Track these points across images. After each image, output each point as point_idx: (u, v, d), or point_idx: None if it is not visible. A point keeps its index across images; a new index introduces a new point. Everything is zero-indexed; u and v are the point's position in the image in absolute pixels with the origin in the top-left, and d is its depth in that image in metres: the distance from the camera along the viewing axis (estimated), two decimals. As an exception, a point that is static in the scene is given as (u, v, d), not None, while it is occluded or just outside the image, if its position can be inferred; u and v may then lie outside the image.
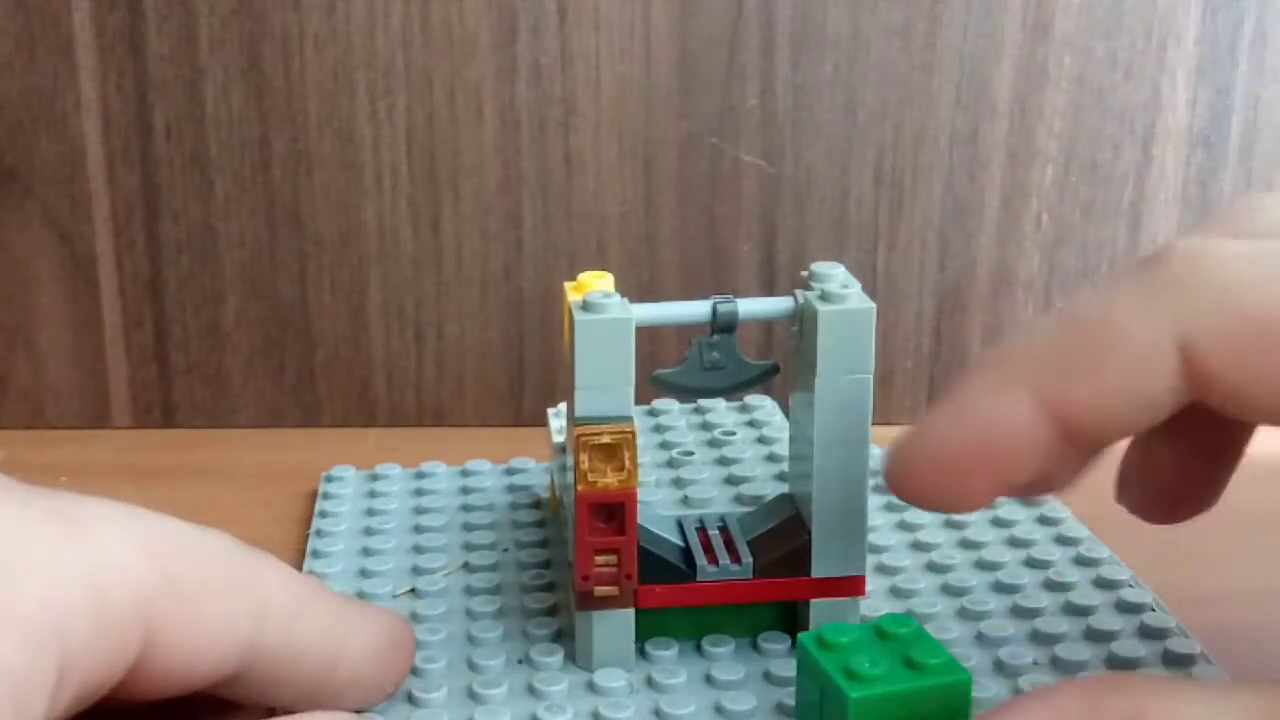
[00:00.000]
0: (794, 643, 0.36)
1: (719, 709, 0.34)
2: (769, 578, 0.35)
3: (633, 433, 0.33)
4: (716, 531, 0.37)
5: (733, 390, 0.35)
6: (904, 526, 0.43)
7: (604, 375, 0.34)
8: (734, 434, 0.46)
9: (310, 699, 0.31)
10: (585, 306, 0.34)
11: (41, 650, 0.25)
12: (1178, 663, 0.35)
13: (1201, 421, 0.30)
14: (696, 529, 0.37)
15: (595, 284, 0.35)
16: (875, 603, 0.38)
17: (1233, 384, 0.27)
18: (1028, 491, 0.31)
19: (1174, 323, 0.27)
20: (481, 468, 0.47)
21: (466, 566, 0.41)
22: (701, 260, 0.53)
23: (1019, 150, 0.52)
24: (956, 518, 0.43)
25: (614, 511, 0.34)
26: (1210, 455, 0.33)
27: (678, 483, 0.42)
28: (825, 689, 0.30)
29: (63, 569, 0.26)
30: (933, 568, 0.40)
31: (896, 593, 0.39)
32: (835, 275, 0.35)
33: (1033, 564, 0.40)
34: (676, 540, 0.36)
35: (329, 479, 0.47)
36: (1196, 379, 0.27)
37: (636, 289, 0.52)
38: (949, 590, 0.39)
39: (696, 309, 0.35)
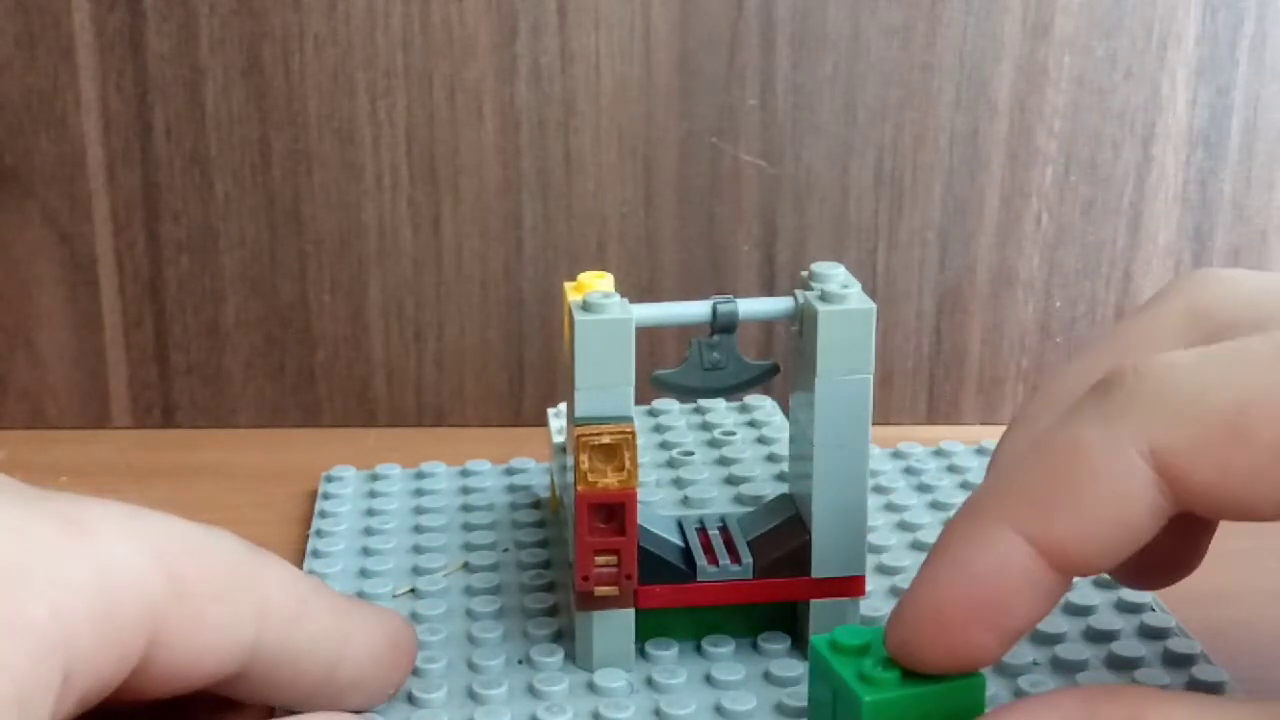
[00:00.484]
0: (794, 642, 0.36)
1: (719, 709, 0.34)
2: (769, 578, 0.35)
3: (633, 433, 0.33)
4: (716, 532, 0.37)
5: (733, 390, 0.35)
6: (904, 526, 0.43)
7: (604, 375, 0.34)
8: (734, 434, 0.46)
9: (312, 699, 0.31)
10: (585, 306, 0.34)
11: (48, 656, 0.25)
12: (1178, 663, 0.35)
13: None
14: (696, 529, 0.37)
15: (595, 284, 0.35)
16: (875, 603, 0.38)
17: (1208, 485, 0.27)
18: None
19: (1139, 439, 0.27)
20: (481, 468, 0.47)
21: (466, 566, 0.41)
22: (701, 260, 0.53)
23: (1019, 150, 0.52)
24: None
25: (614, 511, 0.34)
26: (1189, 527, 0.33)
27: (678, 483, 0.42)
28: (838, 691, 0.30)
29: (68, 574, 0.26)
30: (933, 568, 0.40)
31: (896, 593, 0.39)
32: (835, 275, 0.35)
33: (1033, 564, 0.40)
34: (676, 540, 0.36)
35: (329, 479, 0.47)
36: (1173, 488, 0.27)
37: (636, 289, 0.52)
38: (949, 590, 0.39)
39: (696, 309, 0.35)
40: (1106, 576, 0.39)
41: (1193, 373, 0.27)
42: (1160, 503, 0.27)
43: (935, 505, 0.44)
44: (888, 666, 0.29)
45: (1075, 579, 0.32)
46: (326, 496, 0.46)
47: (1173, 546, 0.33)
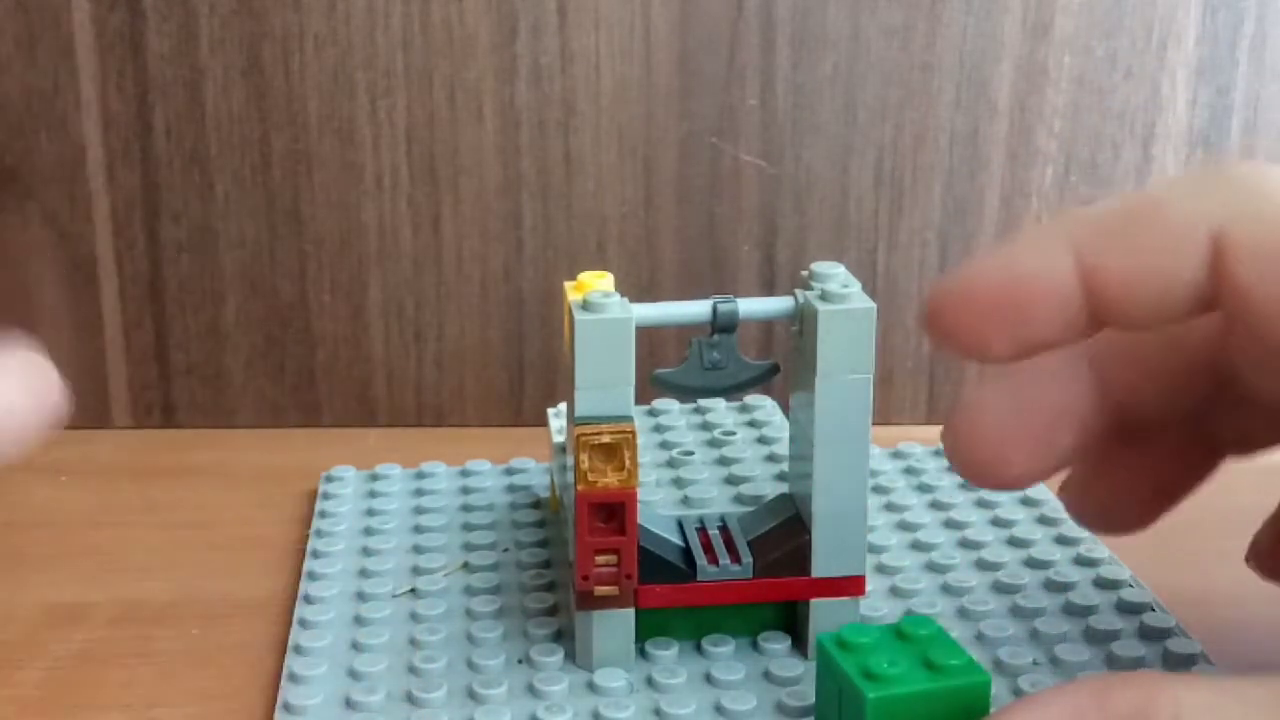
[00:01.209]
0: (794, 642, 0.36)
1: (719, 709, 0.34)
2: (769, 578, 0.35)
3: (633, 433, 0.33)
4: (716, 531, 0.37)
5: (733, 390, 0.35)
6: (904, 526, 0.43)
7: (604, 375, 0.34)
8: (734, 434, 0.46)
9: None
10: (585, 306, 0.34)
11: None
12: (1178, 663, 0.35)
13: (1155, 452, 0.32)
14: (696, 529, 0.37)
15: (595, 284, 0.35)
16: (875, 603, 0.38)
17: (1249, 288, 0.27)
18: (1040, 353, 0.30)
19: (1212, 212, 0.28)
20: (481, 468, 0.47)
21: (466, 566, 0.41)
22: (701, 260, 0.53)
23: (1019, 150, 0.52)
24: (956, 517, 0.43)
25: (614, 511, 0.34)
26: (1153, 485, 0.34)
27: (678, 483, 0.42)
28: (844, 689, 0.30)
29: None
30: (933, 567, 0.40)
31: (896, 593, 0.39)
32: (835, 275, 0.35)
33: (1033, 564, 0.40)
34: (676, 540, 0.36)
35: (329, 479, 0.47)
36: (1221, 276, 0.28)
37: (636, 289, 0.52)
38: (949, 590, 0.39)
39: (696, 309, 0.35)
40: (1108, 578, 0.39)
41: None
42: (1203, 283, 0.28)
43: (935, 505, 0.44)
44: (893, 664, 0.29)
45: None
46: (326, 496, 0.46)
47: (1144, 489, 0.34)
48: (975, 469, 0.31)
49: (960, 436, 0.31)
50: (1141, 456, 0.33)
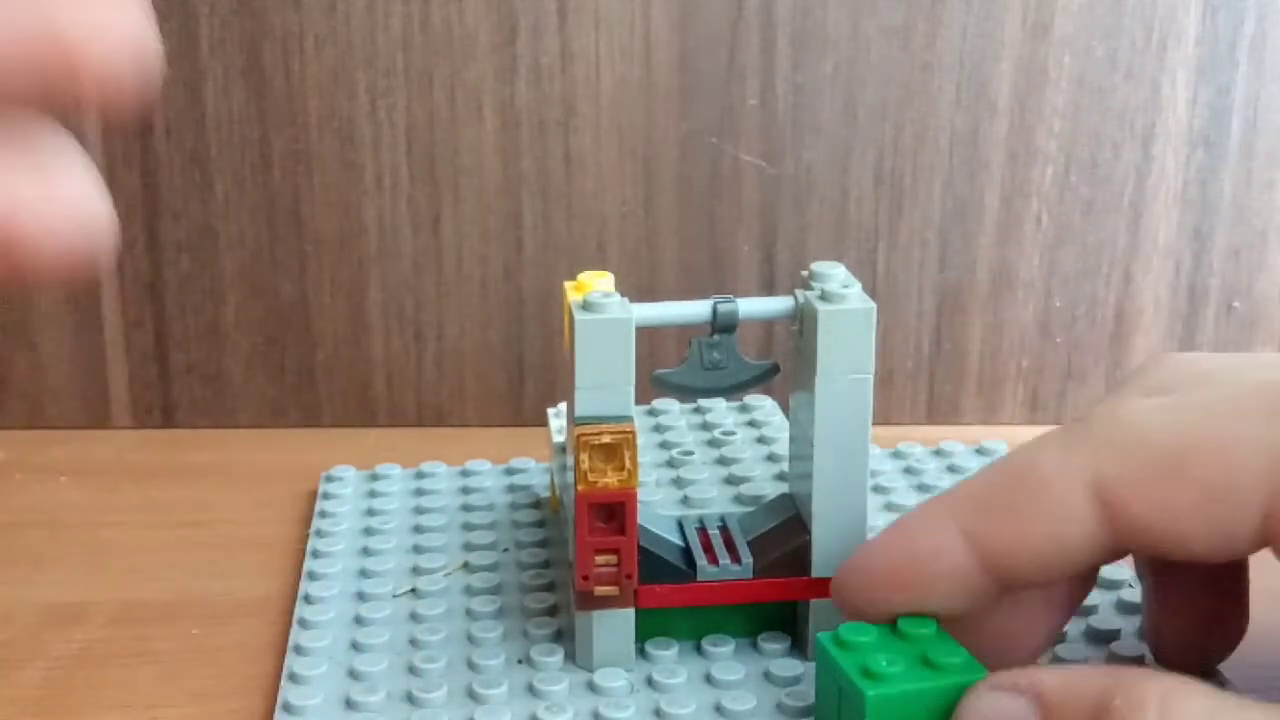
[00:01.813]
0: (794, 642, 0.36)
1: (719, 709, 0.34)
2: (769, 578, 0.35)
3: (633, 433, 0.33)
4: (716, 531, 0.37)
5: (733, 390, 0.35)
6: (904, 526, 0.43)
7: (604, 375, 0.34)
8: (734, 434, 0.46)
9: None
10: (585, 306, 0.34)
11: None
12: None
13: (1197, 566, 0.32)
14: (696, 529, 0.37)
15: (595, 284, 0.35)
16: (875, 603, 0.38)
17: (1146, 516, 0.29)
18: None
19: (1088, 467, 0.29)
20: (481, 468, 0.47)
21: (466, 566, 0.41)
22: (701, 260, 0.53)
23: (1019, 150, 0.52)
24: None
25: (614, 511, 0.34)
26: (1218, 592, 0.34)
27: (678, 483, 0.42)
28: (843, 688, 0.30)
29: None
30: (933, 568, 0.40)
31: (896, 593, 0.39)
32: (835, 275, 0.35)
33: (1033, 564, 0.40)
34: (676, 540, 0.36)
35: (329, 479, 0.47)
36: (1113, 520, 0.29)
37: (636, 289, 0.52)
38: (949, 590, 0.39)
39: (696, 309, 0.35)
40: (1108, 578, 0.39)
41: (1144, 416, 0.29)
42: (1097, 533, 0.29)
43: (935, 505, 0.44)
44: (892, 662, 0.29)
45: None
46: (326, 496, 0.46)
47: (1211, 612, 0.34)
48: (858, 610, 0.32)
49: (848, 581, 0.32)
50: (1187, 587, 0.34)
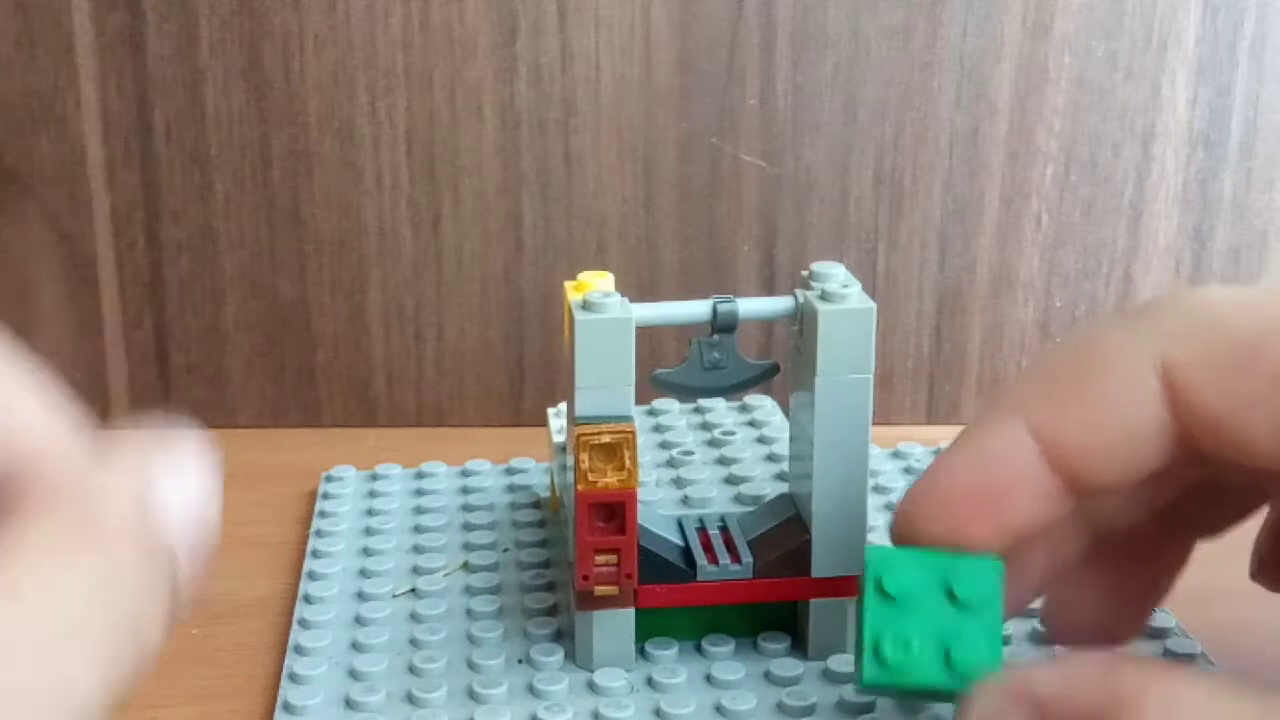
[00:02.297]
0: (794, 642, 0.36)
1: (719, 709, 0.34)
2: (769, 578, 0.35)
3: (633, 432, 0.33)
4: (716, 531, 0.37)
5: (733, 390, 0.35)
6: (904, 526, 0.43)
7: (604, 375, 0.34)
8: (734, 434, 0.46)
9: None
10: (585, 306, 0.34)
11: None
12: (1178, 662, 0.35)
13: (1130, 556, 0.32)
14: (696, 529, 0.37)
15: (595, 284, 0.35)
16: (875, 603, 0.38)
17: (1212, 405, 0.27)
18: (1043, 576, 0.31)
19: (1157, 347, 0.27)
20: (481, 468, 0.47)
21: (466, 566, 0.41)
22: (701, 260, 0.53)
23: (1019, 150, 0.52)
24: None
25: (614, 511, 0.34)
26: (1134, 590, 0.33)
27: (678, 483, 0.42)
28: (858, 640, 0.29)
29: None
30: (933, 568, 0.40)
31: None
32: (835, 275, 0.35)
33: (1033, 564, 0.40)
34: (676, 540, 0.36)
35: (329, 479, 0.47)
36: (1180, 406, 0.27)
37: (636, 289, 0.52)
38: (949, 590, 0.39)
39: (696, 309, 0.35)
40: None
41: (1219, 302, 0.28)
42: (1166, 419, 0.27)
43: (935, 505, 0.44)
44: (906, 646, 0.28)
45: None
46: (326, 496, 0.46)
47: (1118, 606, 0.33)
48: (930, 536, 0.29)
49: (920, 506, 0.30)
50: (1122, 564, 0.33)
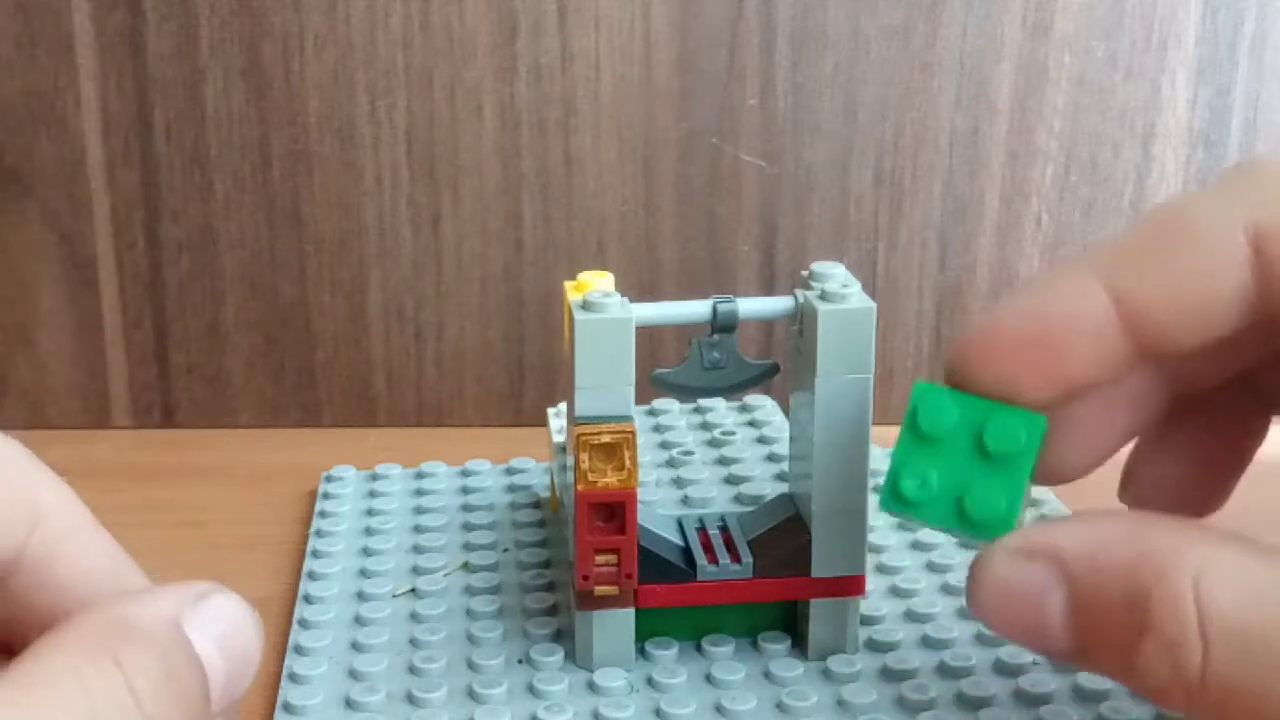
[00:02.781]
0: (794, 642, 0.36)
1: (719, 709, 0.34)
2: (769, 577, 0.35)
3: (633, 432, 0.33)
4: (717, 531, 0.37)
5: (733, 390, 0.35)
6: (904, 526, 0.43)
7: (604, 375, 0.34)
8: (734, 434, 0.46)
9: None
10: (585, 306, 0.34)
11: None
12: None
13: (1210, 423, 0.31)
14: (696, 529, 0.37)
15: (595, 284, 0.35)
16: (875, 602, 0.38)
17: None
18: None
19: (1245, 214, 0.26)
20: (481, 468, 0.47)
21: (466, 566, 0.41)
22: (701, 260, 0.53)
23: (1019, 150, 0.52)
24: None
25: (614, 511, 0.34)
26: (1215, 459, 0.32)
27: (678, 483, 0.42)
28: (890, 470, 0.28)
29: None
30: (933, 567, 0.40)
31: (896, 592, 0.39)
32: (835, 275, 0.35)
33: (1033, 564, 0.40)
34: (676, 540, 0.36)
35: (329, 479, 0.47)
36: (1264, 273, 0.26)
37: (636, 289, 0.52)
38: (949, 590, 0.39)
39: (696, 309, 0.35)
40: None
41: None
42: (1249, 286, 0.26)
43: (935, 505, 0.44)
44: (926, 485, 0.28)
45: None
46: (326, 496, 0.46)
47: (1197, 477, 0.32)
48: (978, 382, 0.28)
49: (971, 351, 0.28)
50: (1200, 431, 0.32)
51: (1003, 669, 0.35)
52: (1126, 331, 0.27)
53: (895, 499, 0.28)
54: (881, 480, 0.45)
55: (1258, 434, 0.33)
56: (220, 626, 0.25)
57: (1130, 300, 0.27)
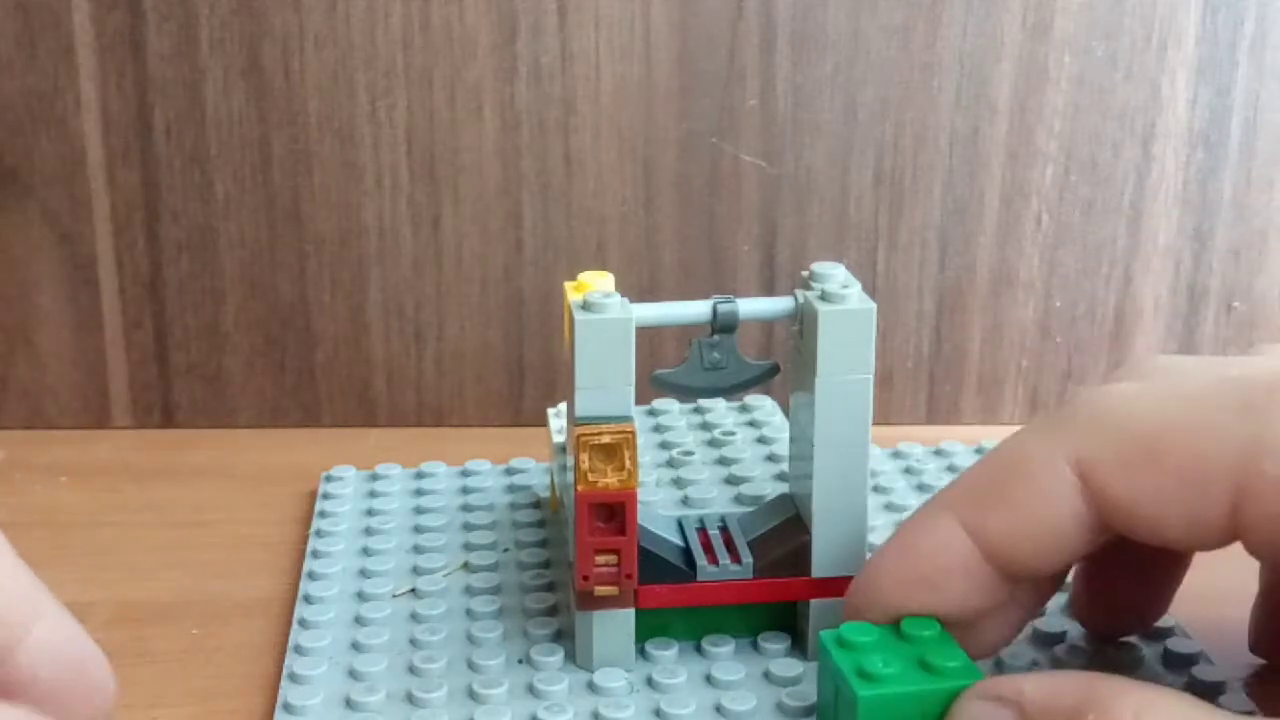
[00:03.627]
0: (794, 642, 0.36)
1: (719, 709, 0.34)
2: (769, 578, 0.35)
3: (633, 433, 0.33)
4: (716, 531, 0.37)
5: (733, 390, 0.35)
6: (904, 526, 0.43)
7: (604, 375, 0.34)
8: (734, 434, 0.46)
9: None
10: (585, 306, 0.34)
11: None
12: (1178, 663, 0.35)
13: (1142, 549, 0.33)
14: (696, 529, 0.37)
15: (595, 284, 0.35)
16: (875, 603, 0.38)
17: (1122, 498, 0.29)
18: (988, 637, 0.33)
19: (1069, 448, 0.30)
20: (481, 468, 0.47)
21: (467, 566, 0.41)
22: (701, 260, 0.53)
23: (1019, 150, 0.52)
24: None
25: (614, 511, 0.34)
26: (1151, 576, 0.36)
27: (678, 483, 0.42)
28: (840, 687, 0.30)
29: None
30: (933, 568, 0.40)
31: (896, 593, 0.39)
32: (835, 275, 0.35)
33: (1033, 564, 0.40)
34: (676, 540, 0.36)
35: (329, 479, 0.47)
36: (1093, 498, 0.29)
37: (636, 289, 0.52)
38: (949, 590, 0.39)
39: (696, 309, 0.35)
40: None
41: (1125, 400, 0.30)
42: (1083, 511, 0.30)
43: (935, 505, 0.44)
44: (889, 664, 0.29)
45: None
46: (326, 496, 0.46)
47: (1136, 595, 0.36)
48: (878, 616, 0.32)
49: (860, 600, 0.32)
50: (1135, 553, 0.34)
51: (1002, 669, 0.35)
52: (989, 563, 0.31)
53: (870, 683, 0.29)
54: (881, 480, 0.45)
55: (1185, 558, 0.36)
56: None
57: (984, 536, 0.30)
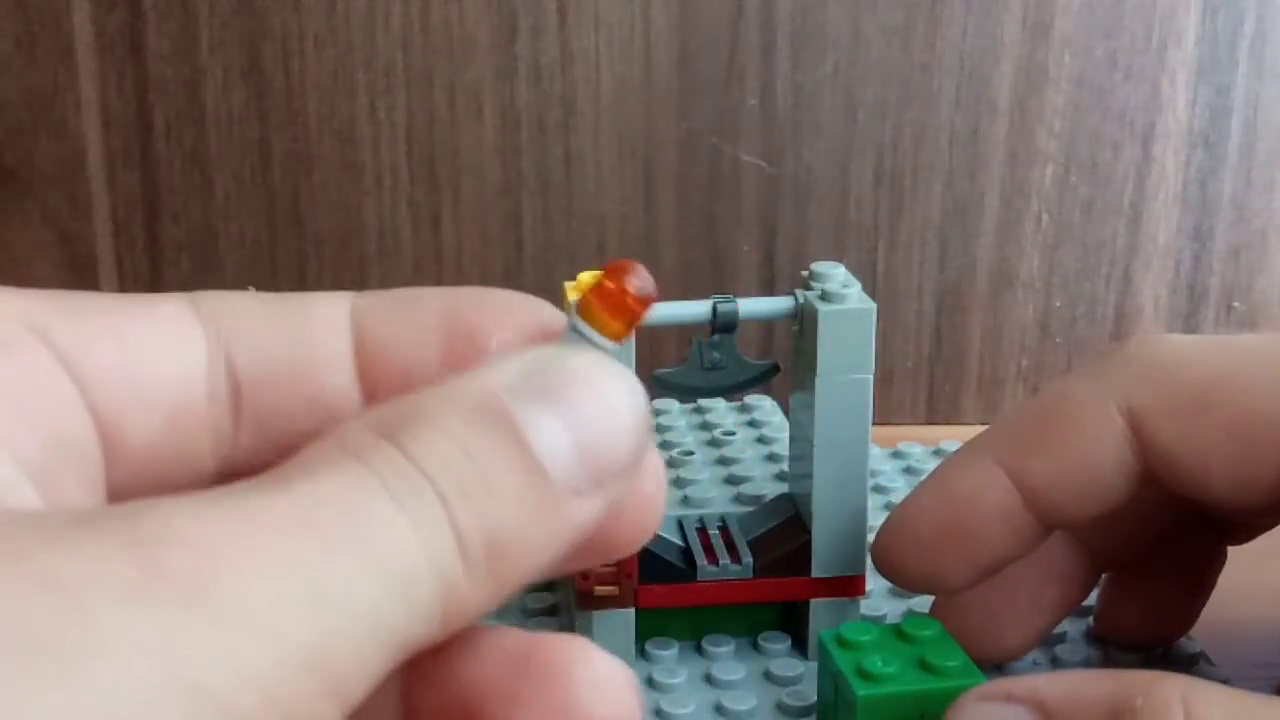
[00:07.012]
0: (794, 642, 0.36)
1: (719, 709, 0.34)
2: (769, 578, 0.35)
3: (633, 433, 0.33)
4: (716, 531, 0.37)
5: (733, 390, 0.35)
6: (904, 526, 0.43)
7: (604, 375, 0.33)
8: (734, 434, 0.46)
9: None
10: (585, 306, 0.34)
11: None
12: (1178, 663, 0.35)
13: (1171, 557, 0.33)
14: (696, 529, 0.37)
15: (595, 284, 0.35)
16: (875, 603, 0.38)
17: (1170, 449, 0.29)
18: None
19: (1119, 393, 0.29)
20: (481, 468, 0.47)
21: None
22: (701, 260, 0.53)
23: (1019, 150, 0.52)
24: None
25: (614, 511, 0.34)
26: (1179, 587, 0.35)
27: (678, 483, 0.42)
28: (840, 687, 0.30)
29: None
30: (933, 568, 0.40)
31: (896, 593, 0.39)
32: (835, 275, 0.35)
33: (1033, 564, 0.40)
34: (676, 540, 0.36)
35: (329, 479, 0.47)
36: (1141, 447, 0.29)
37: (636, 289, 0.52)
38: (949, 590, 0.39)
39: (696, 309, 0.35)
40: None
41: (1178, 349, 0.30)
42: (1130, 459, 0.29)
43: (935, 505, 0.44)
44: (889, 663, 0.29)
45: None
46: (326, 496, 0.45)
47: (1167, 604, 0.35)
48: (904, 574, 0.32)
49: (892, 543, 0.31)
50: (1162, 563, 0.34)
51: (1003, 669, 0.35)
52: (1029, 508, 0.30)
53: (870, 682, 0.29)
54: (881, 480, 0.45)
55: (1217, 562, 0.35)
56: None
57: (1026, 480, 0.30)
